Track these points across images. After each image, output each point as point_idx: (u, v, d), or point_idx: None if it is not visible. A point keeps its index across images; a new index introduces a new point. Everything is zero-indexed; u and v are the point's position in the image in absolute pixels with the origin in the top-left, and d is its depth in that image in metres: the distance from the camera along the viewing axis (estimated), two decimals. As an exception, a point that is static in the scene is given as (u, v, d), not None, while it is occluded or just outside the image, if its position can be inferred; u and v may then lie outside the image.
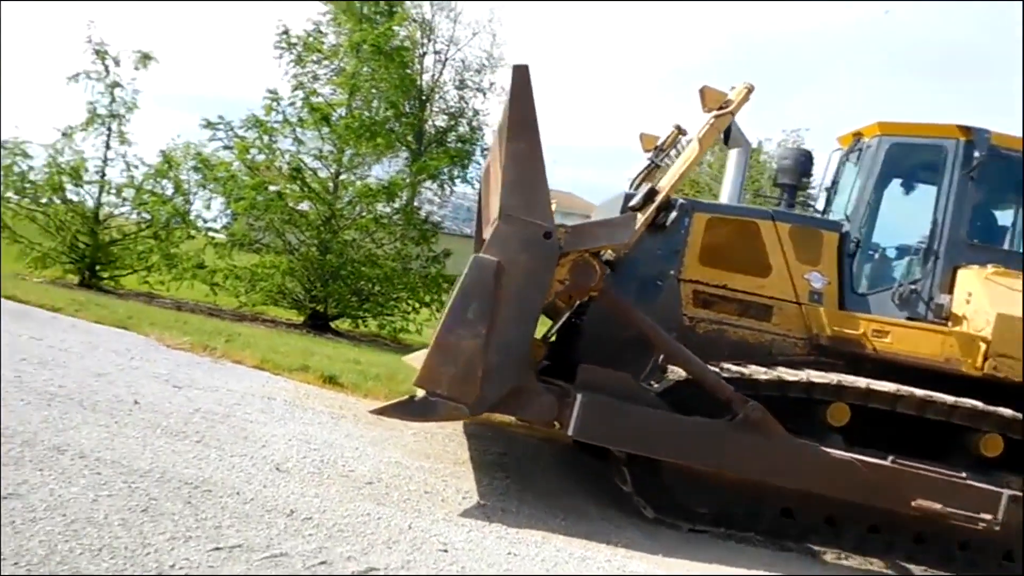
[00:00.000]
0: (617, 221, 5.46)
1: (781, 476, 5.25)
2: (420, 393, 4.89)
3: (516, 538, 4.41)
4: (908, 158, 6.99)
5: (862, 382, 5.50)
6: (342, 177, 14.65)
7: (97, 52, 14.11)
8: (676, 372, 5.61)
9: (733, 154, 7.66)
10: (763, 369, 5.67)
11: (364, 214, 14.50)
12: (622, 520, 5.26)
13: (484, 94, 32.80)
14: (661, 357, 5.76)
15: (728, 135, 7.11)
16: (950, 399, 5.49)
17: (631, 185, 8.23)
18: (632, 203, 6.00)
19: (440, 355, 4.79)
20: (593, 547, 4.55)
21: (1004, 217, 6.99)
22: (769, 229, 6.37)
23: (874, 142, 6.88)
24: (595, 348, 5.92)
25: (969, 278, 6.29)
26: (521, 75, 4.93)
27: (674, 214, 6.21)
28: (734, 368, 5.55)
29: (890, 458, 5.37)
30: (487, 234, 7.62)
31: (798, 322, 6.26)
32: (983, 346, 5.96)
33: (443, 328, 4.83)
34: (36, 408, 4.87)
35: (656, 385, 5.60)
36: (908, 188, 7.30)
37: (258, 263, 13.50)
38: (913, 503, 5.26)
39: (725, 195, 7.54)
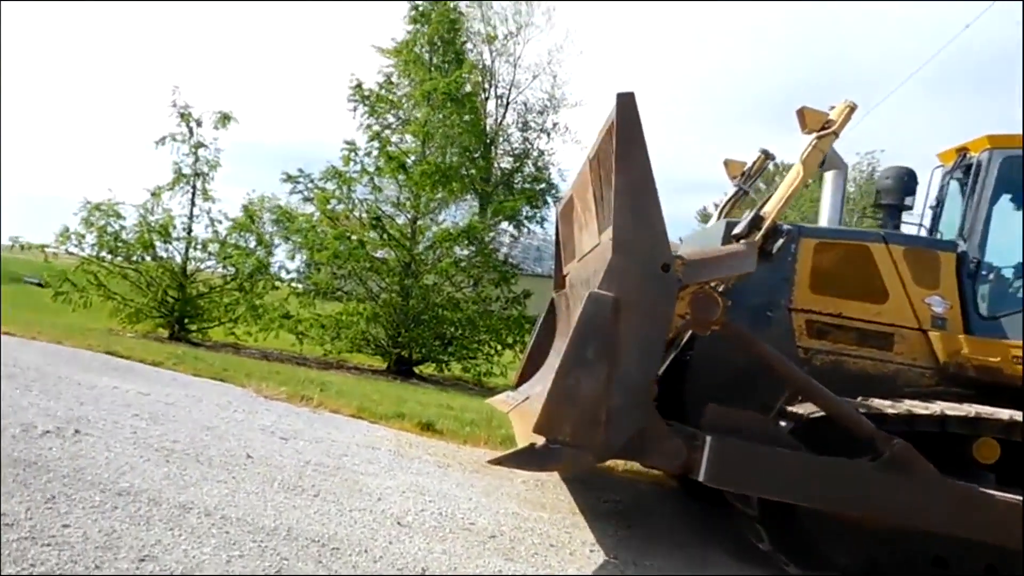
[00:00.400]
0: (738, 251, 5.17)
1: (937, 522, 4.79)
2: (539, 440, 4.66)
3: (657, 595, 4.13)
4: (1022, 172, 6.61)
5: (1009, 414, 5.07)
6: (419, 223, 14.77)
7: (181, 115, 14.65)
8: (803, 408, 5.26)
9: (829, 176, 7.31)
10: (919, 403, 5.26)
11: (443, 258, 14.55)
12: (759, 570, 4.91)
13: (548, 135, 33.00)
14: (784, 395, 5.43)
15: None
16: None
17: (719, 214, 7.94)
18: (737, 231, 5.73)
19: (559, 399, 4.49)
20: (740, 602, 4.23)
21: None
22: (882, 252, 6.01)
23: (984, 156, 6.50)
24: (705, 385, 5.64)
25: None
26: (627, 103, 4.70)
27: (780, 241, 5.93)
28: (879, 404, 5.18)
29: None
30: (571, 268, 7.43)
31: (923, 350, 5.83)
32: None
33: (561, 370, 4.54)
34: (156, 464, 4.83)
35: (784, 424, 5.27)
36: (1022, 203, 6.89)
37: (342, 311, 13.63)
38: None
39: (824, 218, 7.18)
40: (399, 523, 4.59)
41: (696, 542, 5.47)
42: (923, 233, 7.23)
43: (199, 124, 14.69)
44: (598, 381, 4.45)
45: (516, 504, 5.60)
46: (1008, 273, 6.65)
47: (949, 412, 5.03)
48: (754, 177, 7.93)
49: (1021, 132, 6.39)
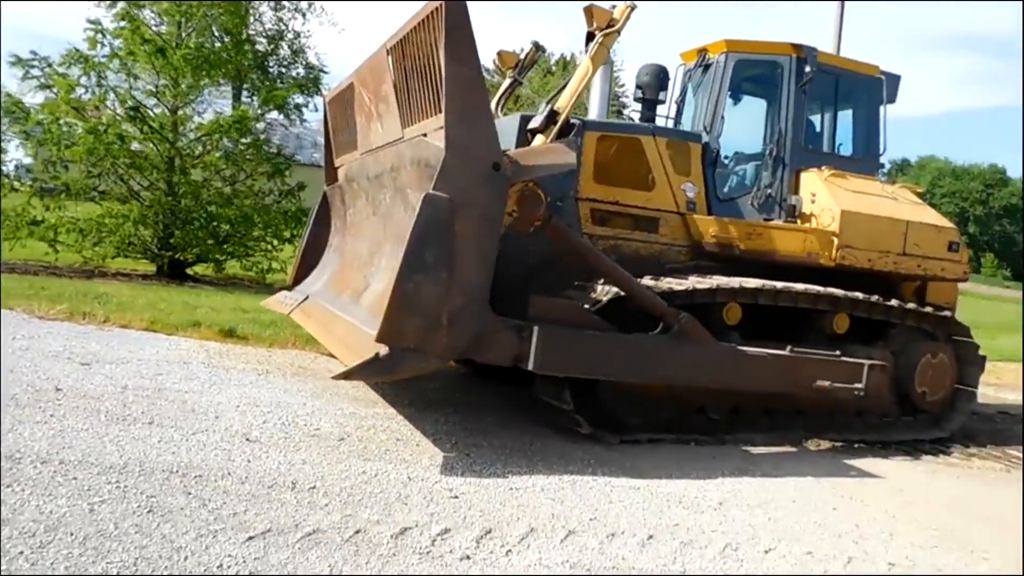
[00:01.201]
0: (558, 147, 5.40)
1: (713, 379, 5.66)
2: (383, 349, 4.71)
3: (507, 472, 4.54)
4: (751, 72, 7.57)
5: (756, 282, 6.12)
6: (179, 113, 13.56)
7: None
8: (598, 292, 5.74)
9: (598, 72, 7.76)
10: (674, 279, 6.03)
11: (210, 151, 13.57)
12: (581, 437, 5.50)
13: (304, 16, 31.02)
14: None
15: None
16: (820, 288, 6.30)
17: (497, 106, 8.17)
18: (533, 125, 6.00)
19: (401, 306, 4.50)
20: (576, 470, 4.78)
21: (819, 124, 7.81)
22: (651, 144, 6.67)
23: (721, 58, 7.35)
24: (510, 276, 5.95)
25: (812, 180, 7.08)
26: None
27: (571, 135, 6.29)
28: (651, 282, 5.83)
29: (788, 348, 5.95)
30: (349, 160, 7.22)
31: (681, 231, 6.67)
32: (835, 240, 6.71)
33: (401, 276, 4.52)
34: (-43, 413, 4.36)
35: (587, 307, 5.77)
36: (751, 99, 7.88)
37: (104, 212, 12.36)
38: (814, 385, 5.92)
39: (594, 112, 7.66)
40: (248, 439, 4.58)
41: (517, 420, 5.96)
42: (671, 125, 8.05)
43: None
44: (439, 285, 4.54)
45: (349, 403, 5.75)
46: (742, 161, 7.70)
47: (698, 285, 5.88)
48: (527, 68, 8.22)
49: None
